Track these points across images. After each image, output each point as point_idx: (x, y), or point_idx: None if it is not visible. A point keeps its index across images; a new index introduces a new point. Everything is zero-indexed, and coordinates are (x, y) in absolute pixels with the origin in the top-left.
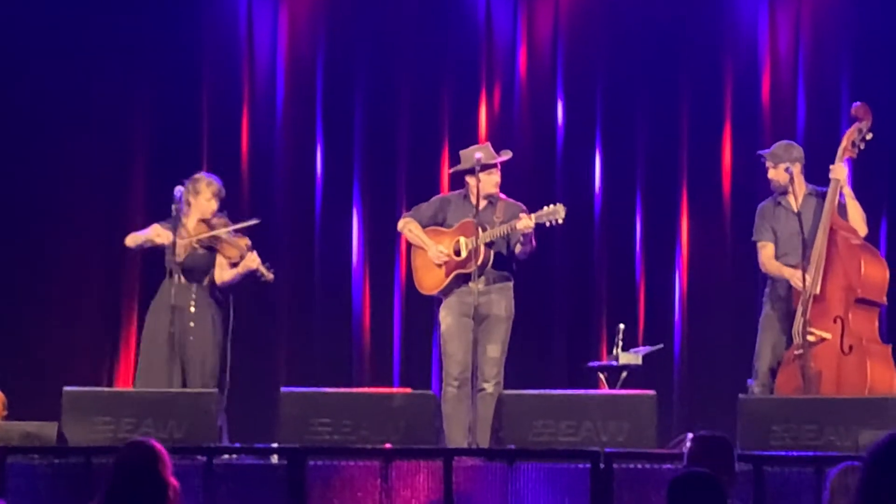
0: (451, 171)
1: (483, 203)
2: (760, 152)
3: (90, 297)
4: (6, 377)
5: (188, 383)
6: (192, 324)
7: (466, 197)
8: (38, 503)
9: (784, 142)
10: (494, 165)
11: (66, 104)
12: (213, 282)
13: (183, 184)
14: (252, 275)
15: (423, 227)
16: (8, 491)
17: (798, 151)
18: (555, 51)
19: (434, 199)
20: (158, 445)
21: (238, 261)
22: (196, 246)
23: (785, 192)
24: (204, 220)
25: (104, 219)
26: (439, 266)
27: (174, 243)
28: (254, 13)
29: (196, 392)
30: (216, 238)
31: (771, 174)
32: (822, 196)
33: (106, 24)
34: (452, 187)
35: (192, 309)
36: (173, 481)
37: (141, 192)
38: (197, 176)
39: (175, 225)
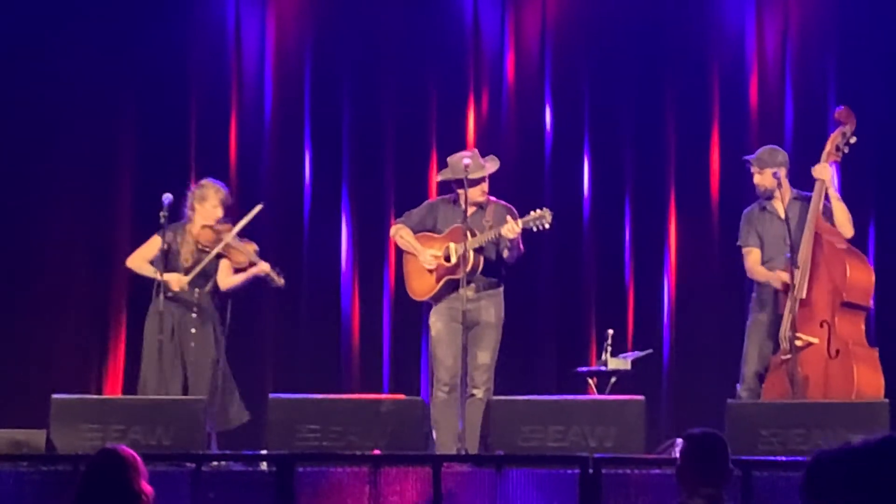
0: (439, 179)
1: (472, 209)
2: (746, 157)
3: (78, 304)
4: None
5: (191, 388)
6: (193, 329)
7: (456, 202)
8: None
9: (769, 146)
10: (482, 179)
11: (52, 107)
12: (215, 287)
13: (166, 195)
14: (261, 280)
15: (415, 232)
16: None
17: (783, 156)
18: (542, 56)
19: (424, 204)
20: (129, 452)
21: (246, 266)
22: (204, 251)
23: (771, 197)
24: (209, 227)
25: (91, 224)
26: (430, 272)
27: (177, 251)
28: (241, 20)
29: (184, 399)
30: (227, 245)
31: (757, 179)
32: (808, 200)
33: (93, 27)
34: (441, 192)
35: (195, 315)
36: (147, 488)
37: (128, 196)
38: (204, 182)
39: (175, 230)
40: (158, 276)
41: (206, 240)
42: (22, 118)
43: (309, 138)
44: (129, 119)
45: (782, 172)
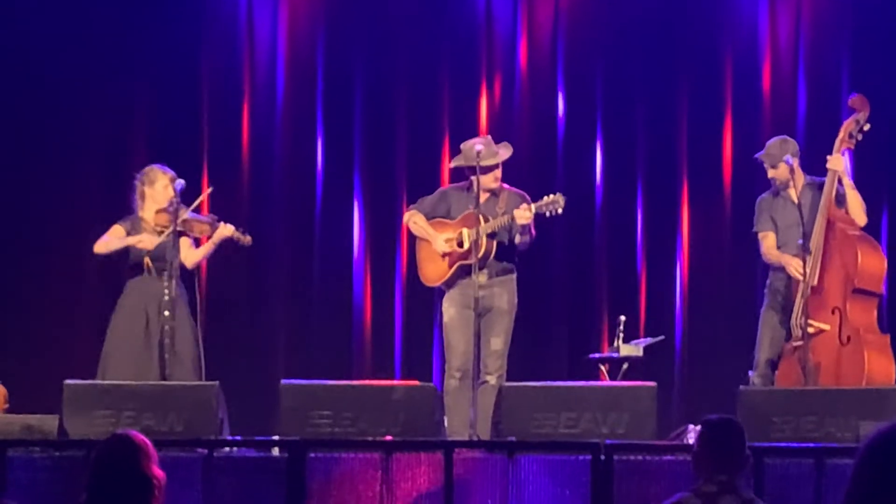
0: (452, 166)
1: (485, 195)
2: (757, 155)
3: (91, 290)
4: (7, 370)
5: (173, 375)
6: (166, 313)
7: (469, 188)
8: (39, 496)
9: (778, 138)
10: (495, 166)
11: (66, 100)
12: (182, 270)
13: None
14: (228, 244)
15: (428, 219)
16: (9, 484)
17: (793, 145)
18: (555, 42)
19: (437, 191)
20: (139, 437)
21: (209, 234)
22: (164, 233)
23: (787, 187)
24: (163, 210)
25: (104, 212)
26: (443, 257)
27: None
28: (254, 7)
29: (196, 385)
30: (185, 221)
31: (772, 174)
32: (821, 187)
33: (106, 20)
34: (453, 179)
35: (166, 298)
36: (158, 472)
37: None
38: (148, 168)
39: (132, 221)
40: (130, 242)
41: (163, 222)
42: (35, 110)
43: (321, 125)
44: (142, 110)
45: (795, 161)
